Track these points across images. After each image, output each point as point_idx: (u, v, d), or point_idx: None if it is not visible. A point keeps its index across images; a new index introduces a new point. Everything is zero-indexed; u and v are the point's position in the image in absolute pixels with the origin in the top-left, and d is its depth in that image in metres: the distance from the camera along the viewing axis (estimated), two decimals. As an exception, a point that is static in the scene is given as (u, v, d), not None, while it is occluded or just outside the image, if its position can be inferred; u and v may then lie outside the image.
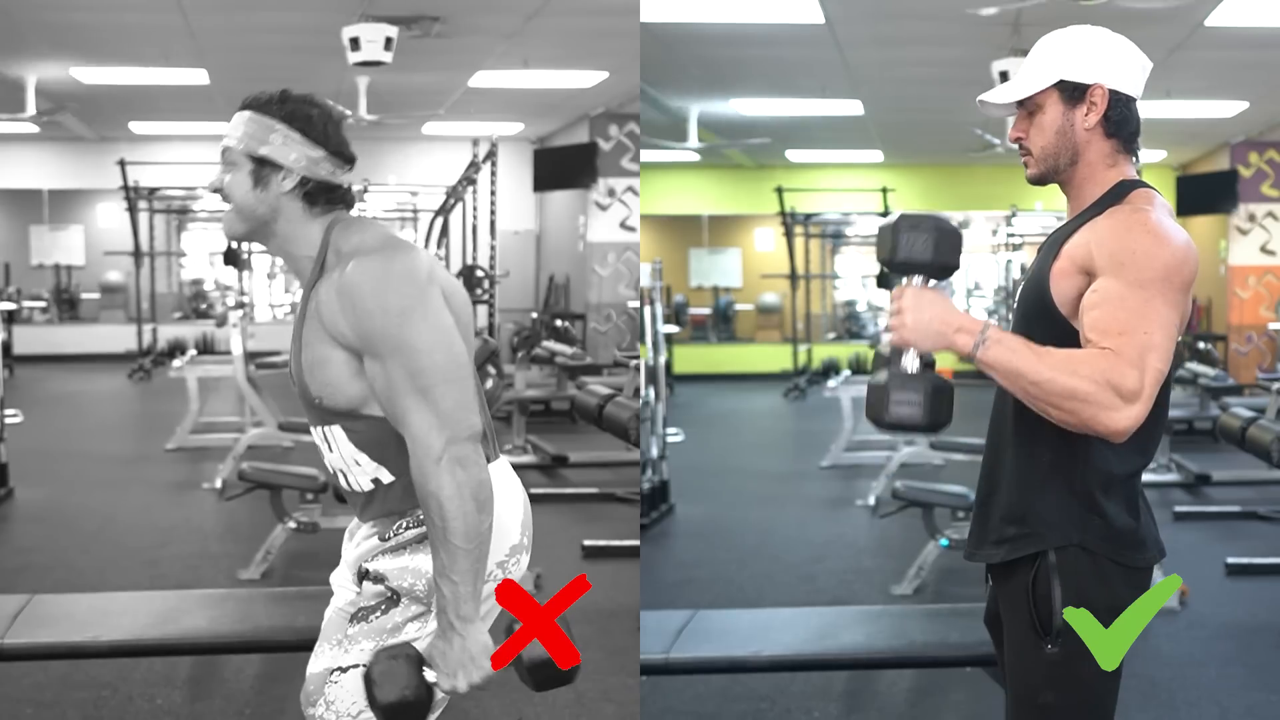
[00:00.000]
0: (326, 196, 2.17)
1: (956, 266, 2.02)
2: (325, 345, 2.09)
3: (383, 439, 2.12)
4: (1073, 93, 2.08)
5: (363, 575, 2.18)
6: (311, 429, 2.22)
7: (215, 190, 2.18)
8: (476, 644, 2.02)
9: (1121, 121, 2.09)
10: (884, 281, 15.04)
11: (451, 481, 1.99)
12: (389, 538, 2.16)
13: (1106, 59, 2.09)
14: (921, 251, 1.98)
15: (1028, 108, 2.13)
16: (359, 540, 2.24)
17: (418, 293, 2.06)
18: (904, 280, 2.01)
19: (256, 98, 2.17)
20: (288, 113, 2.15)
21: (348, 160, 2.20)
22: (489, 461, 2.15)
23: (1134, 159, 2.13)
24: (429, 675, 2.02)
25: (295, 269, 2.20)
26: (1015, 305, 2.20)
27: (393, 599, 2.15)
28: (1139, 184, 2.09)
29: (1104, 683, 2.08)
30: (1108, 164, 2.10)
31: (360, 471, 2.17)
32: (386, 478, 2.15)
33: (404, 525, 2.16)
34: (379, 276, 2.05)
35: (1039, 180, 2.15)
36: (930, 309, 1.98)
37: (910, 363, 1.99)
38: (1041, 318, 2.06)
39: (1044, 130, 2.11)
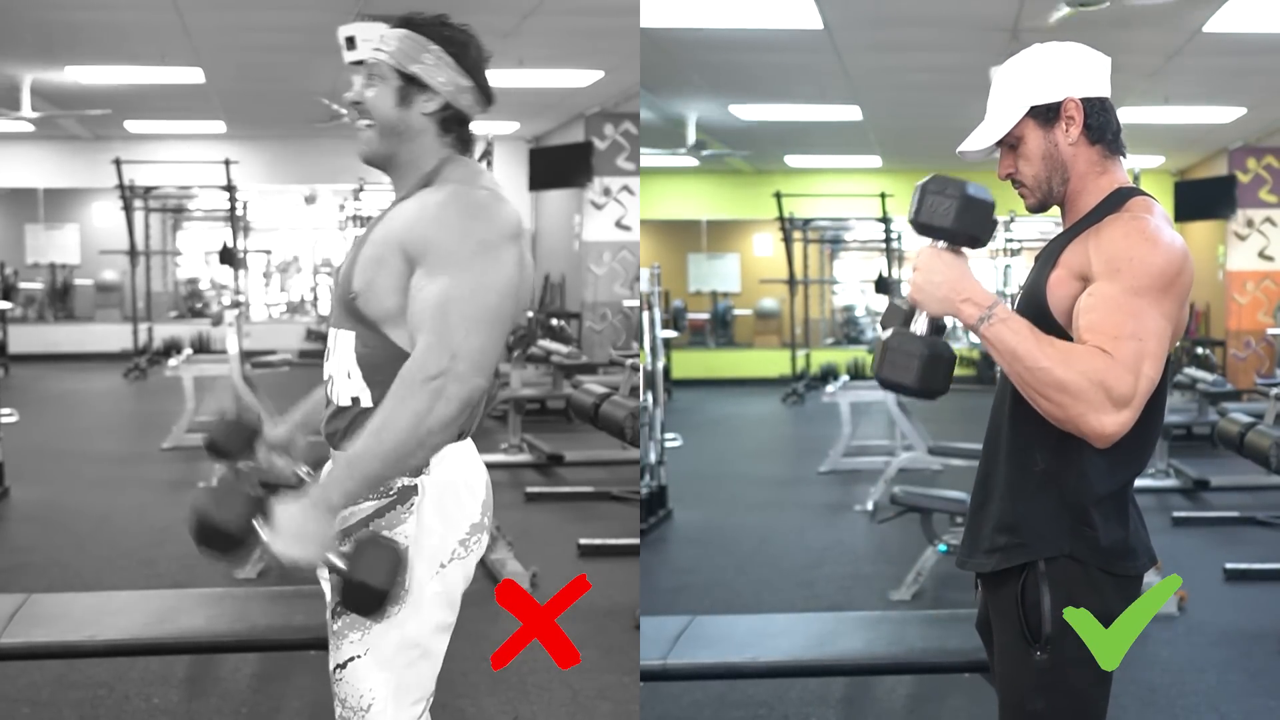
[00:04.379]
0: (459, 131, 2.19)
1: (982, 238, 2.01)
2: (391, 248, 2.08)
3: (381, 364, 2.11)
4: (1047, 114, 2.07)
5: (331, 568, 2.17)
6: (329, 329, 2.22)
7: (354, 104, 2.18)
8: (319, 526, 1.97)
9: (1102, 125, 2.08)
10: (882, 287, 15.07)
11: (425, 406, 1.97)
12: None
13: (1068, 70, 2.07)
14: (943, 216, 1.98)
15: (1009, 142, 2.11)
16: None
17: (502, 238, 2.08)
18: (928, 242, 2.01)
19: (413, 17, 2.18)
20: (445, 36, 2.17)
21: (489, 98, 2.21)
22: (459, 439, 2.16)
23: (1122, 158, 2.12)
24: (258, 525, 1.97)
25: (404, 193, 2.19)
26: None
27: None
28: (1136, 191, 2.07)
29: (1093, 689, 2.07)
30: (1098, 172, 2.09)
31: (347, 384, 2.16)
32: (366, 401, 2.14)
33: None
34: (477, 205, 2.08)
35: (1039, 208, 2.13)
36: (944, 273, 1.98)
37: (920, 325, 1.97)
38: (1039, 328, 2.05)
39: (1031, 160, 2.10)
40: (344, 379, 2.16)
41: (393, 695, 2.16)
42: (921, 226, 2.00)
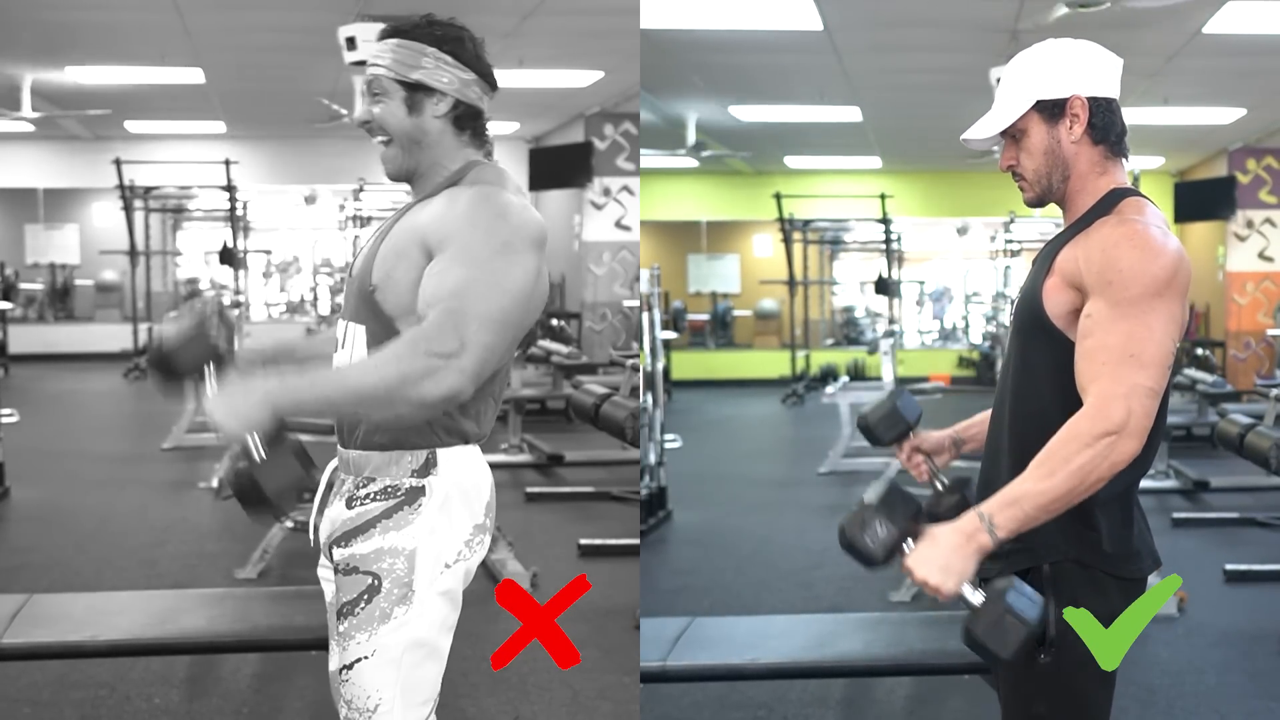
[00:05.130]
0: (474, 125, 2.19)
1: (917, 508, 1.99)
2: (413, 241, 2.08)
3: None
4: (1052, 110, 2.06)
5: (337, 567, 2.18)
6: (340, 322, 2.21)
7: (364, 123, 2.17)
8: (249, 404, 1.94)
9: (1106, 126, 2.07)
10: (881, 287, 15.08)
11: (416, 375, 1.93)
12: (354, 504, 2.15)
13: (1077, 68, 2.07)
14: (889, 533, 1.95)
15: (1012, 134, 2.11)
16: (331, 502, 2.24)
17: (526, 244, 2.07)
18: (898, 557, 1.97)
19: (401, 24, 2.17)
20: (438, 36, 2.16)
21: (493, 85, 2.21)
22: (466, 444, 2.17)
23: (1124, 160, 2.11)
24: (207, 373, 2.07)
25: (429, 191, 2.19)
26: (1011, 319, 2.18)
27: (374, 585, 2.14)
28: (1130, 192, 2.07)
29: (1097, 693, 2.07)
30: (1098, 172, 2.08)
31: None
32: None
33: (371, 495, 2.14)
34: (505, 207, 2.07)
35: (1037, 203, 2.13)
36: (938, 554, 1.92)
37: (973, 597, 1.93)
38: (1037, 332, 2.05)
39: (1032, 153, 2.09)
40: None
41: (400, 695, 2.15)
42: (885, 557, 1.97)
